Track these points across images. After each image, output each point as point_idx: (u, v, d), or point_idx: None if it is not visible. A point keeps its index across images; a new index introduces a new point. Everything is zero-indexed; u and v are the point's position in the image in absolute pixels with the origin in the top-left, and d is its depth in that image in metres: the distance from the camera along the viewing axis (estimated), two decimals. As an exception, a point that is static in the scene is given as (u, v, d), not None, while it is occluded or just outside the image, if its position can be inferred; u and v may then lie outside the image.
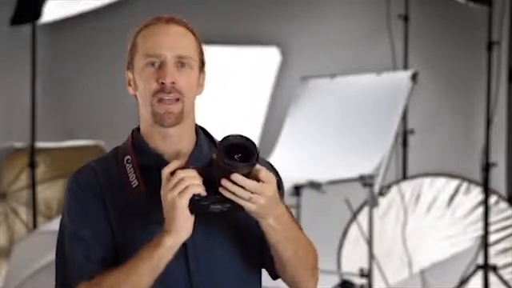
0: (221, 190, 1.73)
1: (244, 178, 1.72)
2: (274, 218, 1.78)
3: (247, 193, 1.73)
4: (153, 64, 1.85)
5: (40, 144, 5.31)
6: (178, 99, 1.84)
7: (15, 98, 6.07)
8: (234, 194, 1.73)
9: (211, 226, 1.85)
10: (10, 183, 5.38)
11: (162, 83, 1.83)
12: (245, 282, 1.90)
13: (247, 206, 1.74)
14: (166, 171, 1.75)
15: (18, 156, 5.37)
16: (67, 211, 1.87)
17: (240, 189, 1.72)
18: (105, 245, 1.83)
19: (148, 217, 1.82)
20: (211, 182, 1.75)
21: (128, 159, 1.89)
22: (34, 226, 5.18)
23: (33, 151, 5.20)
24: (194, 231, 1.78)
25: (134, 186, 1.85)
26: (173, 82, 1.83)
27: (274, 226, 1.79)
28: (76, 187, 1.87)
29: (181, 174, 1.74)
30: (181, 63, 1.86)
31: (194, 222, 1.76)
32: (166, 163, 1.81)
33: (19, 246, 4.38)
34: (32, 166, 5.19)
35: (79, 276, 1.81)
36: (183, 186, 1.73)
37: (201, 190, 1.74)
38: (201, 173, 1.75)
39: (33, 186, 5.19)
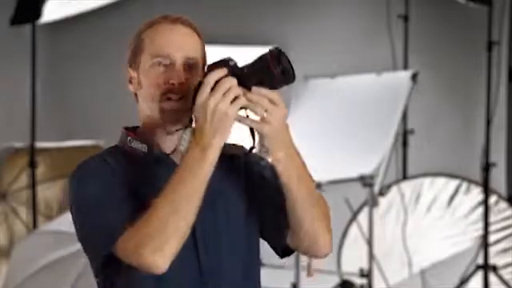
0: (249, 96, 1.74)
1: (270, 91, 1.75)
2: (285, 152, 1.79)
3: (262, 109, 1.74)
4: (160, 64, 1.87)
5: (40, 144, 5.31)
6: (184, 98, 1.85)
7: (15, 98, 6.06)
8: (255, 105, 1.74)
9: (217, 207, 1.87)
10: (10, 183, 5.38)
11: (172, 84, 1.85)
12: (249, 266, 1.92)
13: (259, 125, 1.76)
14: (211, 78, 1.73)
15: (18, 156, 5.37)
16: (88, 189, 1.83)
17: (265, 100, 1.74)
18: (134, 205, 1.80)
19: (171, 167, 1.82)
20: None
21: (130, 139, 1.91)
22: (34, 225, 5.18)
23: (33, 151, 5.20)
24: (202, 212, 1.78)
25: (144, 150, 1.88)
26: (181, 83, 1.85)
27: (287, 161, 1.79)
28: (91, 170, 1.86)
29: (227, 83, 1.73)
30: (188, 64, 1.87)
31: (202, 204, 1.77)
32: (165, 156, 1.86)
33: (19, 246, 4.38)
34: (32, 165, 5.19)
35: (122, 223, 1.77)
36: (234, 94, 1.73)
37: (245, 102, 1.74)
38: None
39: (33, 186, 5.19)
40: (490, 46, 4.97)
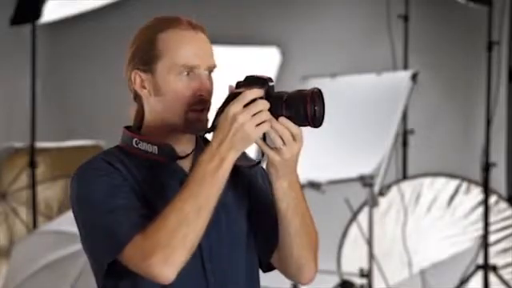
0: (274, 125, 1.74)
1: (294, 125, 1.76)
2: (288, 181, 1.81)
3: (281, 141, 1.75)
4: (187, 73, 1.85)
5: (40, 144, 5.31)
6: (208, 107, 1.86)
7: (15, 98, 6.06)
8: (276, 134, 1.75)
9: (221, 217, 1.86)
10: (10, 183, 5.38)
11: (201, 95, 1.84)
12: (251, 273, 1.92)
13: (273, 155, 1.77)
14: (249, 95, 1.73)
15: (18, 156, 5.37)
16: (94, 191, 1.80)
17: (287, 133, 1.75)
18: (142, 208, 1.79)
19: (179, 174, 1.82)
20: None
21: (136, 141, 1.88)
22: (34, 225, 5.18)
23: (33, 151, 5.20)
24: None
25: (155, 152, 1.86)
26: (209, 95, 1.86)
27: (287, 190, 1.81)
28: (96, 171, 1.83)
29: (260, 105, 1.73)
30: (210, 72, 1.88)
31: None
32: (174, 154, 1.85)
33: (19, 246, 4.38)
34: (32, 166, 5.19)
35: (129, 231, 1.74)
36: (262, 119, 1.73)
37: (269, 128, 1.75)
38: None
39: (33, 186, 5.19)
40: (490, 46, 4.96)
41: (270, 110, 1.75)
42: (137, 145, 1.88)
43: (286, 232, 1.86)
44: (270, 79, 1.78)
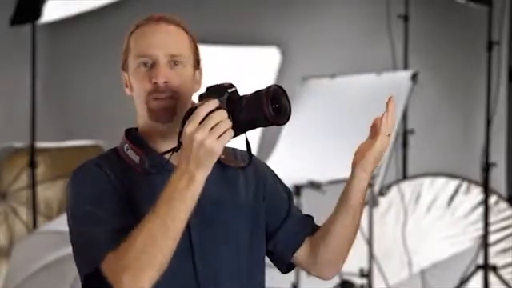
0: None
1: None
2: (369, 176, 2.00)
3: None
4: (145, 64, 1.87)
5: (40, 144, 5.31)
6: (171, 97, 1.85)
7: (15, 98, 6.07)
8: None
9: (216, 219, 1.87)
10: (10, 183, 5.38)
11: (155, 83, 1.85)
12: (252, 272, 1.93)
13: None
14: (203, 110, 1.69)
15: (18, 156, 5.38)
16: (79, 199, 1.84)
17: None
18: (124, 219, 1.79)
19: (159, 188, 1.80)
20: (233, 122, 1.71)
21: (127, 147, 1.90)
22: (34, 225, 5.18)
23: (33, 151, 5.21)
24: (201, 223, 1.82)
25: (137, 161, 1.87)
26: (166, 82, 1.85)
27: (365, 184, 2.07)
28: (84, 177, 1.86)
29: (217, 116, 1.69)
30: (173, 62, 1.87)
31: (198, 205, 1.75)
32: (162, 159, 1.84)
33: (19, 246, 4.38)
34: (32, 166, 5.20)
35: (104, 248, 1.76)
36: (222, 130, 1.68)
37: (232, 136, 1.71)
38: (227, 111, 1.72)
39: (33, 186, 5.20)
40: (490, 45, 4.96)
41: (231, 116, 1.70)
42: (126, 151, 1.90)
43: (344, 223, 1.96)
44: (230, 85, 1.75)
